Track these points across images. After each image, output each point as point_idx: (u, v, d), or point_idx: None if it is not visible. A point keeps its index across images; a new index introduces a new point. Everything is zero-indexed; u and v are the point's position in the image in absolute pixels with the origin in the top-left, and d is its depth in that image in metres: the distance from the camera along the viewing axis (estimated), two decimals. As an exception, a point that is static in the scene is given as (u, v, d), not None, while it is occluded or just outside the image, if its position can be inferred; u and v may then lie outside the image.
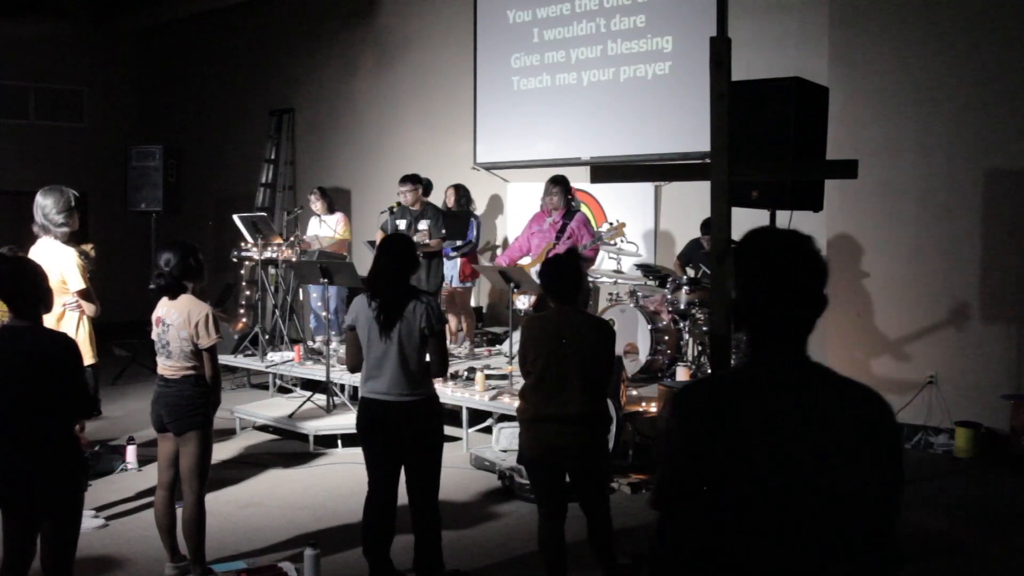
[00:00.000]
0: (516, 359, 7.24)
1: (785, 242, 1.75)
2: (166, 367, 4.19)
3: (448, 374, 5.99)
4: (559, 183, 7.36)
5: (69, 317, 4.96)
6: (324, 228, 8.94)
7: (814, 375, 1.72)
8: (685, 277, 7.25)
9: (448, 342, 6.21)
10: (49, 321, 4.58)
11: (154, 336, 4.23)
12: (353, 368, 4.20)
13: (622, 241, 7.08)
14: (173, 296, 4.17)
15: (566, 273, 3.93)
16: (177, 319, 4.13)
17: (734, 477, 1.64)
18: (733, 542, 1.65)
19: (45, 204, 4.93)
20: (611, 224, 7.06)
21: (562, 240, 7.14)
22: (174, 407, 4.15)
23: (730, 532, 1.65)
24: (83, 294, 4.95)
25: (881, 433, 1.67)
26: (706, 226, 7.42)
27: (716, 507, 1.66)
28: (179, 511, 4.31)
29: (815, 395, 1.68)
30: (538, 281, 4.16)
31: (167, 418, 4.19)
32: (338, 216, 9.07)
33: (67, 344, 3.39)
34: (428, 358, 4.08)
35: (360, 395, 4.15)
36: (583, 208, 8.09)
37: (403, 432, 4.01)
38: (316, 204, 8.99)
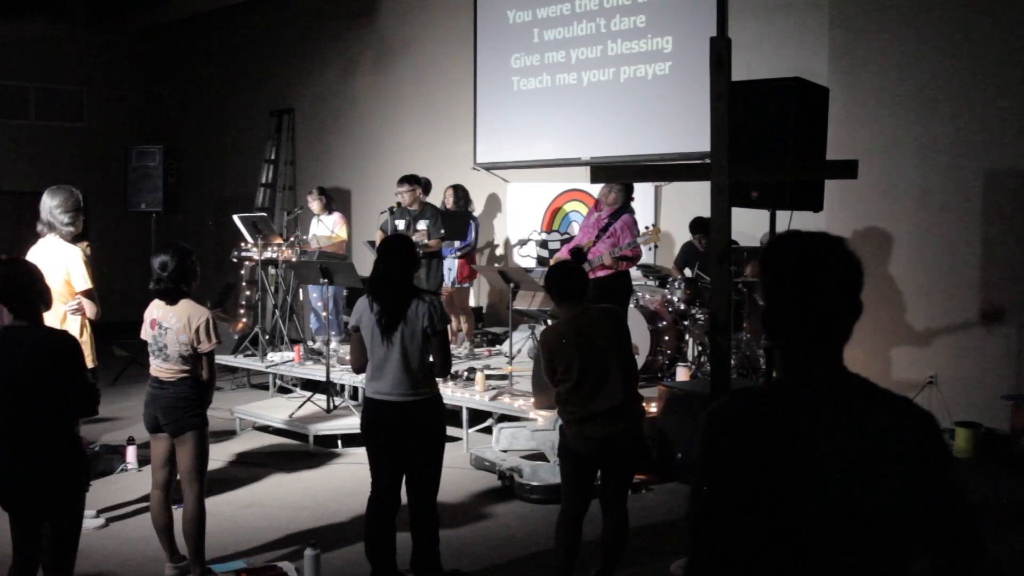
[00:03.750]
0: (515, 358, 7.32)
1: (818, 246, 1.66)
2: (161, 369, 4.18)
3: (450, 374, 5.98)
4: (622, 185, 7.08)
5: (71, 320, 4.92)
6: (321, 228, 8.94)
7: (853, 389, 1.63)
8: (684, 277, 7.25)
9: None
10: (51, 324, 4.58)
11: (147, 337, 4.21)
12: (358, 369, 4.20)
13: (656, 246, 7.06)
14: (172, 300, 4.15)
15: (574, 275, 3.99)
16: (176, 323, 4.12)
17: (772, 502, 1.57)
18: (773, 570, 1.59)
19: (52, 203, 4.90)
20: (647, 228, 6.89)
21: (602, 239, 6.98)
22: (171, 408, 4.14)
23: (769, 560, 1.59)
24: (87, 294, 4.92)
25: (926, 447, 1.60)
26: (696, 226, 7.38)
27: (754, 533, 1.59)
28: (178, 512, 4.30)
29: (854, 412, 1.59)
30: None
31: (163, 419, 4.17)
32: (335, 216, 9.06)
33: (69, 342, 3.39)
34: (431, 358, 4.07)
35: (364, 396, 4.14)
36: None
37: (406, 432, 4.01)
38: (314, 204, 8.99)
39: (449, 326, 4.61)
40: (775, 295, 1.66)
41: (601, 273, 6.48)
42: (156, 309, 4.20)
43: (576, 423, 3.86)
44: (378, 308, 3.98)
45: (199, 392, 4.19)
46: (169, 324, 4.13)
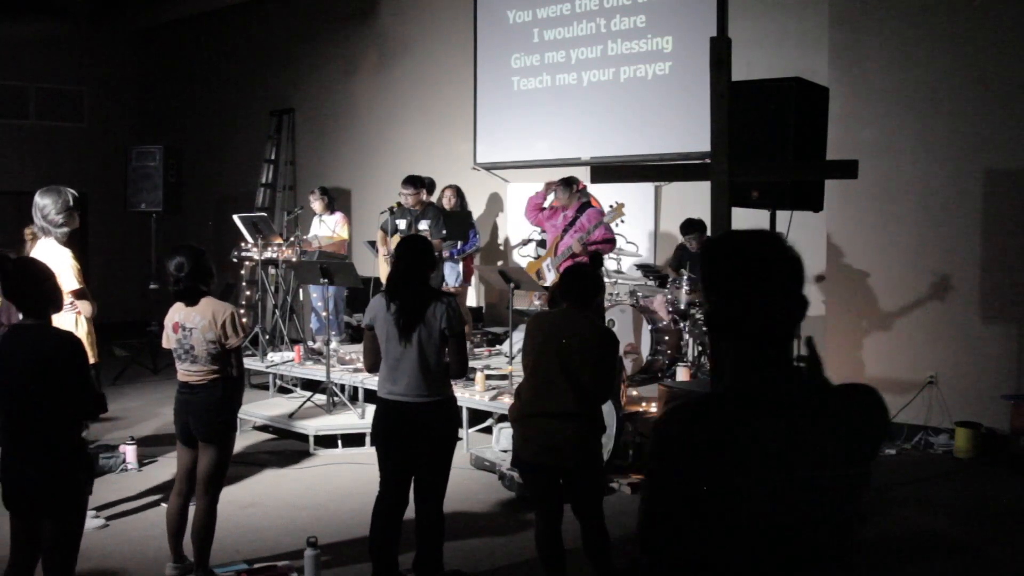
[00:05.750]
0: (516, 359, 7.31)
1: (760, 243, 1.65)
2: (191, 373, 4.15)
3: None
4: (562, 183, 7.33)
5: (65, 318, 4.93)
6: (323, 228, 8.95)
7: (807, 390, 1.61)
8: (686, 276, 7.25)
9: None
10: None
11: (172, 344, 4.18)
12: (371, 369, 4.16)
13: (622, 222, 7.10)
14: (192, 301, 4.14)
15: (586, 278, 3.93)
16: (201, 322, 4.10)
17: (730, 514, 1.51)
18: None
19: (44, 204, 4.90)
20: (611, 206, 7.08)
21: (569, 232, 7.12)
22: (203, 412, 4.12)
23: (727, 570, 1.54)
24: (77, 294, 4.93)
25: (874, 440, 1.63)
26: (687, 227, 7.39)
27: (710, 547, 1.54)
28: (189, 510, 4.31)
29: (812, 414, 1.57)
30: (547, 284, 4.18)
31: (195, 423, 4.15)
32: (337, 216, 9.07)
33: (72, 343, 3.37)
34: (447, 359, 4.05)
35: (378, 396, 4.12)
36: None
37: (418, 433, 3.99)
38: (316, 203, 8.99)
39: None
40: (720, 295, 1.63)
41: (571, 263, 6.52)
42: (177, 312, 4.18)
43: (518, 421, 3.84)
44: (396, 308, 3.94)
45: (231, 395, 4.18)
46: (193, 324, 4.10)
